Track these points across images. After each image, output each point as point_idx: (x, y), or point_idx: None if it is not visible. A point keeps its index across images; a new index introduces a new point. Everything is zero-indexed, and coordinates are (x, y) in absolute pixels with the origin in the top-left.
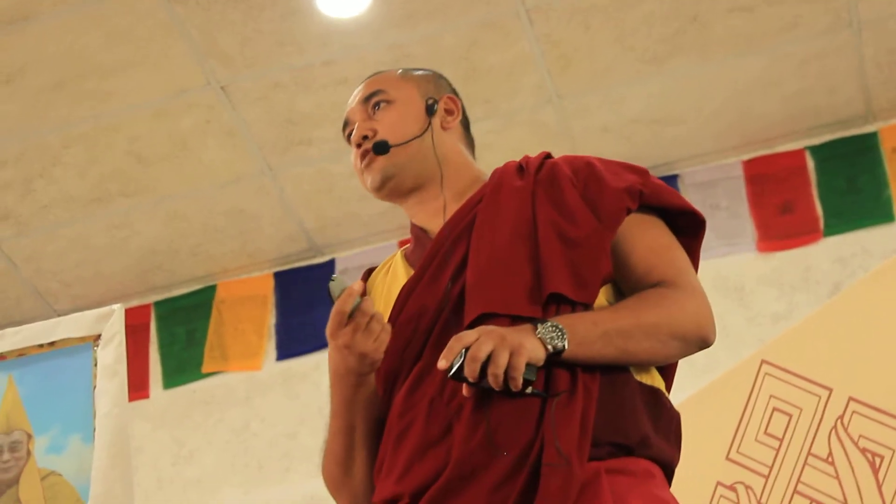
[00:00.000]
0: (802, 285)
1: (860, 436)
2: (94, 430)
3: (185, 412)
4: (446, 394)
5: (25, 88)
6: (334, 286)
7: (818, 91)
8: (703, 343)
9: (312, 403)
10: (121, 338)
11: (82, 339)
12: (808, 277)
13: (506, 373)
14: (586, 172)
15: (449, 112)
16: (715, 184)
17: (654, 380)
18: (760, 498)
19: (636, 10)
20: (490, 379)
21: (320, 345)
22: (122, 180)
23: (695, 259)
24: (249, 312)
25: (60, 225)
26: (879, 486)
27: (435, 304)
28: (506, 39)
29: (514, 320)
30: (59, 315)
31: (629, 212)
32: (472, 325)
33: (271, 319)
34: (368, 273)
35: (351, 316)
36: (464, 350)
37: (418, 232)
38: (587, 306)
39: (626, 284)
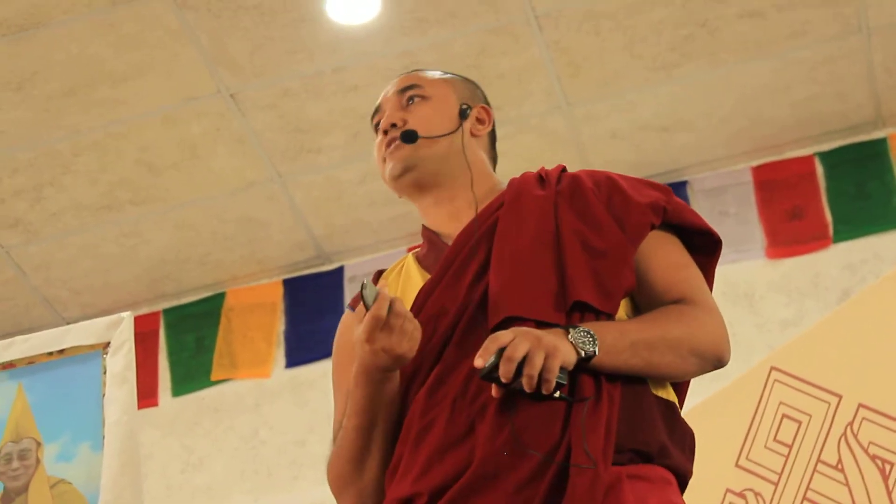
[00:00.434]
0: (812, 291)
1: (870, 442)
2: (104, 437)
3: (195, 419)
4: (469, 394)
5: (36, 96)
6: (367, 293)
7: (827, 97)
8: (719, 362)
9: (321, 411)
10: (130, 345)
11: (91, 346)
12: (817, 284)
13: (539, 374)
14: (608, 186)
15: (480, 121)
16: (724, 190)
17: (669, 394)
18: None
19: (645, 16)
20: (524, 380)
21: (329, 352)
22: (131, 188)
23: (710, 278)
24: (258, 320)
25: (70, 233)
26: (889, 493)
27: (455, 306)
28: (515, 46)
29: (539, 326)
30: (68, 323)
31: (652, 227)
32: (495, 329)
33: (280, 327)
34: (378, 275)
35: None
36: (499, 350)
37: (431, 235)
38: (610, 317)
39: (645, 299)
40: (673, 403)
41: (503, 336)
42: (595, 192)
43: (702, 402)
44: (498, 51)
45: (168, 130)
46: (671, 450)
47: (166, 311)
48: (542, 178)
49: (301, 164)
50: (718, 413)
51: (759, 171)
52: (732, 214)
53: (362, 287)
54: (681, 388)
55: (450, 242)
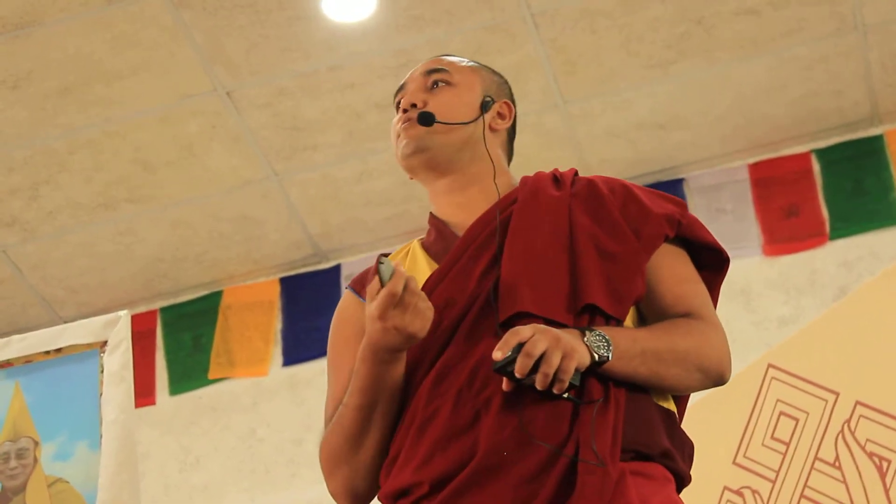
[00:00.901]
0: (808, 289)
1: (867, 440)
2: (101, 436)
3: (192, 418)
4: (475, 386)
5: (31, 94)
6: (384, 268)
7: (824, 94)
8: (720, 379)
9: (319, 409)
10: (127, 344)
11: (89, 345)
12: (814, 281)
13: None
14: (624, 194)
15: (501, 116)
16: (720, 187)
17: (670, 404)
18: (767, 502)
19: (642, 14)
20: (539, 377)
21: (326, 351)
22: (127, 186)
23: (714, 295)
24: (255, 318)
25: (66, 231)
26: (886, 491)
27: (464, 298)
28: (511, 44)
29: (548, 324)
30: (64, 322)
31: (666, 239)
32: (505, 323)
33: (277, 325)
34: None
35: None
36: (518, 345)
37: (439, 224)
38: (619, 322)
39: (652, 310)
40: (673, 413)
41: (524, 331)
42: (610, 198)
43: (699, 400)
44: (494, 49)
45: (164, 129)
46: (673, 453)
47: (163, 310)
48: (556, 178)
49: (297, 163)
50: (716, 411)
51: (755, 169)
52: (729, 212)
53: (378, 263)
54: (681, 402)
55: (458, 232)
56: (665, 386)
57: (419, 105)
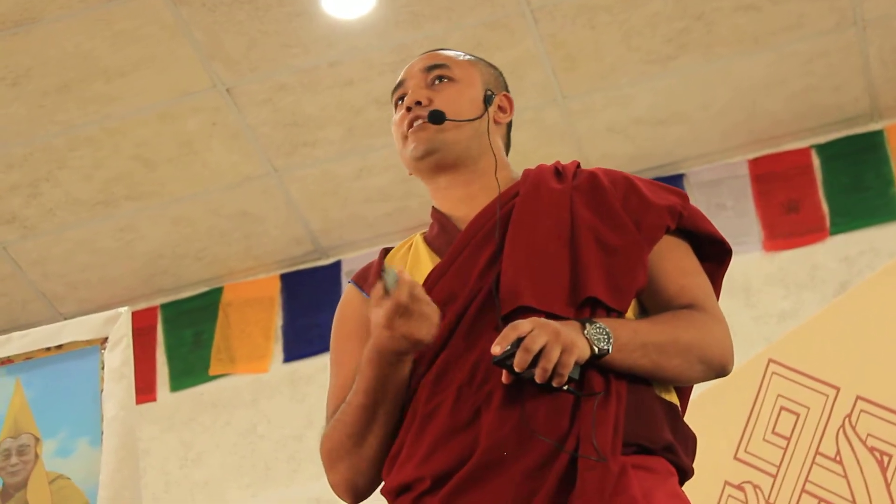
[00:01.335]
0: (809, 284)
1: (868, 434)
2: (102, 433)
3: (193, 415)
4: (476, 381)
5: (31, 91)
6: (388, 276)
7: (824, 89)
8: (723, 371)
9: (319, 405)
10: (128, 341)
11: (89, 342)
12: (814, 276)
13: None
14: (625, 186)
15: (502, 109)
16: (720, 183)
17: (672, 397)
18: (769, 497)
19: (641, 9)
20: (538, 371)
21: (327, 347)
22: (127, 183)
23: (717, 288)
24: (256, 315)
25: (66, 228)
26: (888, 485)
27: (465, 292)
28: (511, 39)
29: (549, 318)
30: (65, 319)
31: (668, 230)
32: (506, 318)
33: (278, 321)
34: (385, 252)
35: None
36: (517, 339)
37: (441, 217)
38: (620, 314)
39: (654, 302)
40: (675, 406)
41: (523, 325)
42: (612, 190)
43: (700, 395)
44: (493, 44)
45: (164, 126)
46: (675, 446)
47: (164, 307)
48: (558, 171)
49: (297, 159)
50: (716, 406)
51: (755, 164)
52: (729, 207)
53: (382, 271)
54: (683, 394)
55: (460, 226)
56: (667, 378)
57: (424, 102)
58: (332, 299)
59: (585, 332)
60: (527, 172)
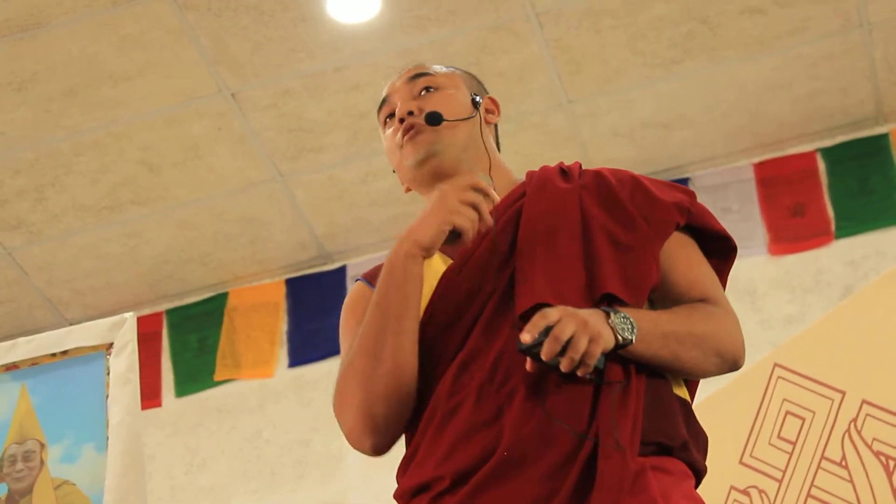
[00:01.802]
0: (814, 288)
1: (874, 439)
2: (107, 438)
3: (198, 420)
4: (497, 380)
5: (37, 96)
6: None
7: (829, 93)
8: (735, 364)
9: (325, 410)
10: (133, 346)
11: (95, 347)
12: (819, 280)
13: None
14: (632, 184)
15: (490, 111)
16: (726, 186)
17: (684, 393)
18: (774, 502)
19: (646, 13)
20: (565, 361)
21: (332, 351)
22: (133, 188)
23: (722, 283)
24: (261, 320)
25: (72, 233)
26: (893, 490)
27: (481, 292)
28: (516, 43)
29: None
30: (70, 324)
31: (677, 226)
32: (523, 316)
33: (283, 326)
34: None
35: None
36: (546, 328)
37: None
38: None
39: (666, 297)
40: (688, 402)
41: (551, 314)
42: (619, 188)
43: (705, 399)
44: (498, 48)
45: (169, 130)
46: (691, 445)
47: (169, 312)
48: (564, 171)
49: (302, 164)
50: (722, 410)
51: (760, 168)
52: (734, 211)
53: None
54: (692, 388)
55: None
56: (684, 370)
57: (416, 112)
58: (337, 304)
59: (610, 321)
60: (531, 174)
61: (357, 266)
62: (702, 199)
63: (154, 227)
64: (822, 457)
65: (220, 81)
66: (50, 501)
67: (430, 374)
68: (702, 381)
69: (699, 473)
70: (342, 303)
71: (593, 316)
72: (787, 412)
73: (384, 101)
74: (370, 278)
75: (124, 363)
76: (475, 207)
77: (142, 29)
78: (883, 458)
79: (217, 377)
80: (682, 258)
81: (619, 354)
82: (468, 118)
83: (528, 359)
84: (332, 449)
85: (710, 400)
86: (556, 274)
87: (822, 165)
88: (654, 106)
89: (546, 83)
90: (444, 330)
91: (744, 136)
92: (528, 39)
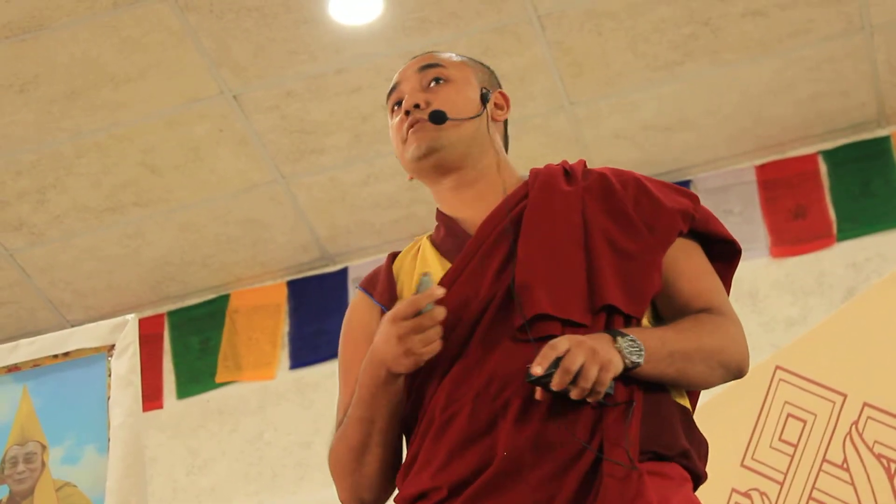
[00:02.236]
0: (816, 290)
1: (875, 441)
2: (109, 440)
3: (199, 422)
4: (492, 390)
5: (38, 98)
6: (424, 283)
7: (831, 95)
8: (740, 374)
9: (326, 412)
10: (135, 348)
11: (96, 349)
12: (821, 282)
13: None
14: (636, 188)
15: (499, 106)
16: (727, 189)
17: (685, 400)
18: None
19: (648, 15)
20: (576, 391)
21: (334, 354)
22: (134, 190)
23: (726, 286)
24: (263, 321)
25: (73, 235)
26: (895, 492)
27: (479, 298)
28: (518, 46)
29: (566, 325)
30: (72, 326)
31: (680, 234)
32: (524, 326)
33: (284, 328)
34: (393, 257)
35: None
36: (556, 359)
37: (448, 220)
38: (637, 321)
39: (670, 305)
40: (688, 409)
41: (560, 344)
42: (623, 192)
43: (707, 402)
44: (500, 51)
45: (171, 132)
46: (690, 452)
47: (170, 314)
48: (567, 172)
49: (304, 166)
50: (723, 413)
51: (762, 170)
52: (736, 213)
53: (423, 275)
54: (693, 398)
55: (468, 228)
56: (690, 384)
57: (423, 105)
58: (338, 306)
59: (617, 345)
60: (534, 172)
61: (359, 268)
62: (703, 201)
63: (156, 229)
64: (824, 459)
65: (221, 83)
66: (51, 503)
67: (428, 381)
68: None
69: (698, 478)
70: (344, 305)
71: (601, 342)
72: (789, 415)
73: (394, 88)
74: (368, 286)
75: (126, 365)
76: (422, 336)
77: (143, 31)
78: (884, 461)
79: (218, 379)
80: (687, 266)
81: (627, 375)
82: (473, 117)
83: (538, 388)
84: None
85: (712, 403)
86: (556, 283)
87: (823, 168)
88: (655, 108)
89: (548, 85)
90: (445, 336)
91: (745, 139)
92: (530, 42)
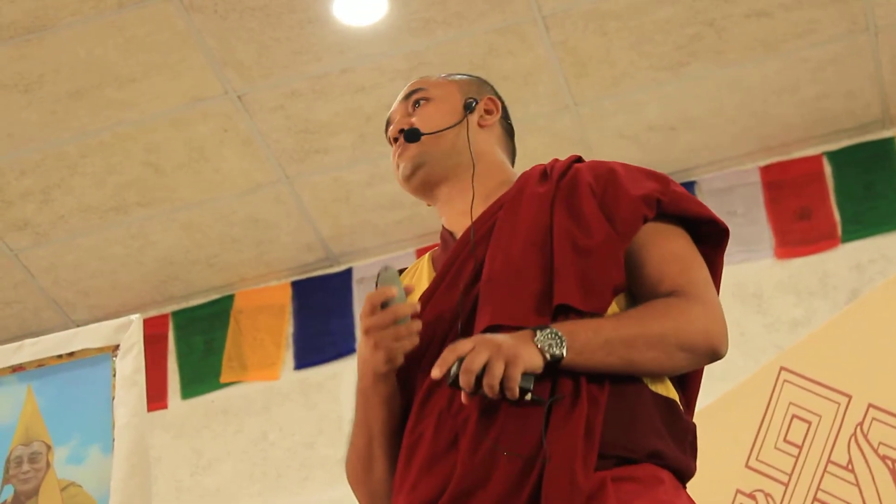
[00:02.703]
0: (820, 291)
1: (880, 443)
2: (113, 440)
3: (204, 422)
4: (454, 406)
5: (43, 98)
6: (382, 278)
7: (835, 96)
8: (714, 355)
9: (330, 413)
10: (139, 348)
11: (101, 349)
12: (826, 283)
13: (501, 382)
14: (606, 179)
15: (488, 112)
16: (732, 190)
17: (669, 391)
18: None
19: (652, 16)
20: (485, 389)
21: (338, 354)
22: (139, 190)
23: (717, 268)
24: (267, 322)
25: (78, 235)
26: None
27: (450, 313)
28: (522, 46)
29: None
30: (76, 325)
31: (646, 220)
32: None
33: (289, 329)
34: (398, 274)
35: (384, 306)
36: (459, 360)
37: (446, 235)
38: (598, 316)
39: (640, 293)
40: (672, 400)
41: (461, 346)
42: (593, 186)
43: (711, 404)
44: (505, 51)
45: (175, 132)
46: (665, 451)
47: (175, 314)
48: (546, 173)
49: (308, 166)
50: (728, 414)
51: (766, 171)
52: (740, 214)
53: (383, 269)
54: (689, 384)
55: None
56: (648, 371)
57: (406, 129)
58: (343, 306)
59: (535, 339)
60: (521, 176)
61: (363, 268)
62: (708, 202)
63: (160, 229)
64: (829, 460)
65: (226, 83)
66: (56, 503)
67: (411, 400)
68: (707, 385)
69: (682, 474)
70: (348, 305)
71: (512, 339)
72: (794, 416)
73: (388, 123)
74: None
75: (130, 365)
76: (392, 334)
77: (148, 31)
78: (889, 462)
79: (223, 379)
80: (652, 251)
81: (566, 370)
82: (449, 127)
83: (461, 392)
84: (337, 451)
85: (716, 403)
86: (515, 290)
87: (828, 169)
88: (659, 109)
89: (552, 86)
90: (419, 355)
91: (750, 140)
92: (534, 42)
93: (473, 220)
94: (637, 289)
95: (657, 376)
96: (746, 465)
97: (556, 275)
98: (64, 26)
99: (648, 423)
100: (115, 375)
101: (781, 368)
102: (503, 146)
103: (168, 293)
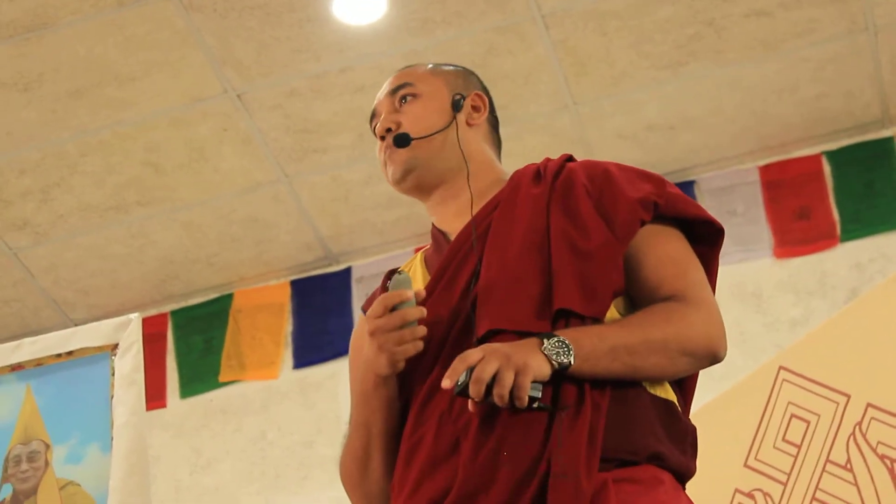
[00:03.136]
0: (819, 291)
1: (878, 442)
2: (112, 439)
3: (203, 421)
4: (455, 410)
5: (42, 97)
6: (396, 281)
7: (834, 96)
8: (714, 358)
9: (329, 412)
10: (138, 347)
11: (100, 348)
12: (825, 283)
13: (511, 391)
14: (602, 180)
15: (476, 109)
16: (731, 189)
17: (668, 393)
18: None
19: (652, 15)
20: (495, 399)
21: (337, 353)
22: (138, 189)
23: (713, 268)
24: (266, 321)
25: (77, 234)
26: None
27: (448, 316)
28: (522, 45)
29: (522, 336)
30: (75, 324)
31: (643, 223)
32: (480, 341)
33: (288, 328)
34: (390, 274)
35: (393, 310)
36: (468, 369)
37: (438, 235)
38: (597, 320)
39: (638, 297)
40: (671, 402)
41: (471, 355)
42: (588, 187)
43: (710, 403)
44: (504, 50)
45: (175, 131)
46: (665, 453)
47: (174, 313)
48: (539, 173)
49: (308, 165)
50: (727, 413)
51: (766, 171)
52: (740, 214)
53: (397, 272)
54: (687, 385)
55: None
56: (651, 377)
57: (393, 128)
58: (342, 306)
59: (543, 347)
60: (513, 175)
61: (362, 268)
62: (707, 201)
63: (159, 228)
64: (827, 460)
65: (225, 82)
66: (55, 502)
67: (409, 403)
68: (706, 384)
69: (682, 475)
70: (348, 304)
71: (522, 347)
72: (792, 415)
73: (373, 114)
74: (367, 307)
75: (129, 364)
76: (399, 334)
77: (148, 30)
78: (888, 462)
79: (222, 378)
80: (651, 254)
81: (570, 376)
82: (440, 131)
83: (469, 400)
84: (336, 451)
85: (715, 403)
86: (514, 293)
87: (827, 168)
88: (659, 108)
89: (552, 85)
90: (417, 358)
91: (749, 139)
92: (533, 41)
93: (466, 223)
94: (635, 292)
95: (661, 381)
96: (745, 465)
97: (556, 278)
98: (64, 25)
99: (648, 425)
100: (113, 374)
101: (780, 368)
102: (490, 141)
103: (167, 292)
